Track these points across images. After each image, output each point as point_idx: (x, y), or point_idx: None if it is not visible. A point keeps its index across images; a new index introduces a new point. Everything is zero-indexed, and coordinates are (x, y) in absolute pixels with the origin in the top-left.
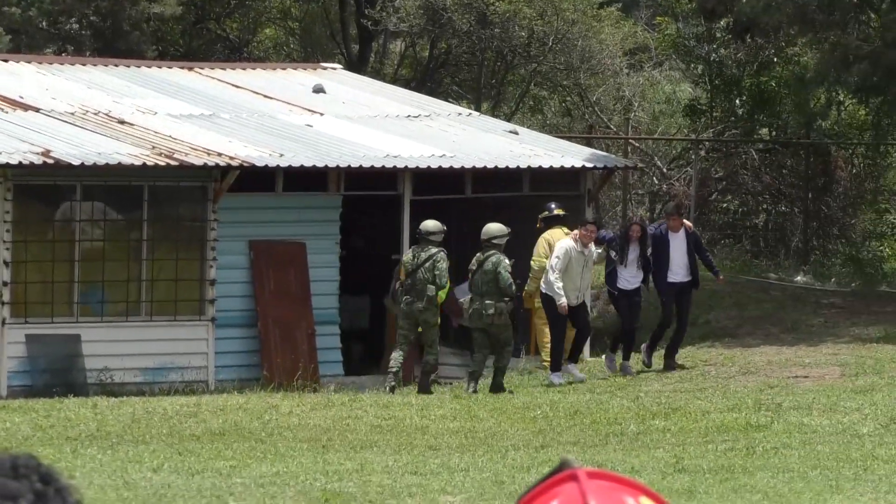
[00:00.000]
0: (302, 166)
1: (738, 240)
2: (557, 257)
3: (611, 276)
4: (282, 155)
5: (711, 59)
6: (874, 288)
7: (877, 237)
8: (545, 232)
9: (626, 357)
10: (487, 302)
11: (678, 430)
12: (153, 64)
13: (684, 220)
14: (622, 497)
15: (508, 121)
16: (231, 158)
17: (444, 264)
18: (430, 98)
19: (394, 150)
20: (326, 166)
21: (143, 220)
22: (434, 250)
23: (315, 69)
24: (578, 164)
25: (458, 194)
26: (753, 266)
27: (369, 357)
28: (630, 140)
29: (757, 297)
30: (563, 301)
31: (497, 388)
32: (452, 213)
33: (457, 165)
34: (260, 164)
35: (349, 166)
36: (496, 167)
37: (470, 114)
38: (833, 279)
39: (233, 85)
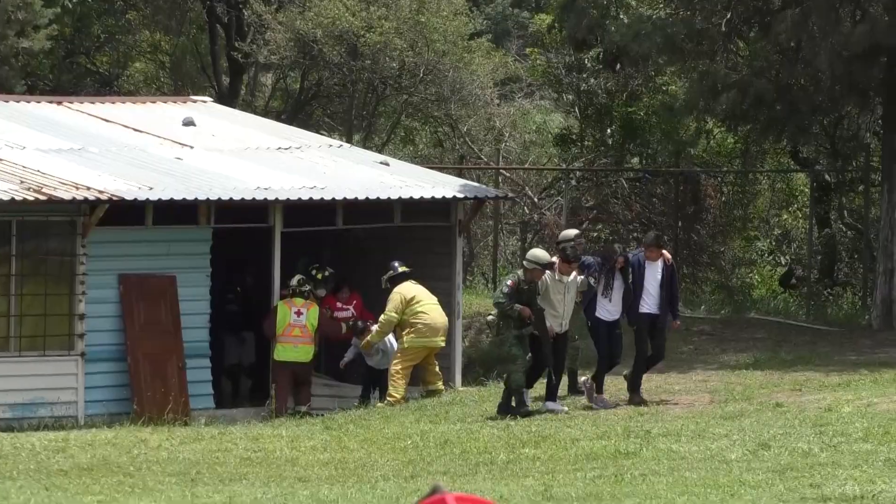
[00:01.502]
0: (172, 199)
1: None
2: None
3: (590, 307)
4: (151, 188)
5: (582, 88)
6: (743, 315)
7: (746, 264)
8: (397, 286)
9: (600, 390)
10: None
11: (548, 458)
12: (22, 98)
13: (664, 252)
14: None
15: (380, 152)
16: (100, 192)
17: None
18: (301, 130)
19: (264, 182)
20: (196, 199)
21: (12, 255)
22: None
23: (185, 102)
24: (450, 195)
25: (329, 226)
26: None
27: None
28: (501, 170)
29: (627, 325)
30: (548, 324)
31: (501, 408)
32: (325, 244)
33: (328, 197)
34: (129, 197)
35: (219, 199)
36: (367, 198)
37: (341, 145)
38: (703, 306)
39: (103, 119)
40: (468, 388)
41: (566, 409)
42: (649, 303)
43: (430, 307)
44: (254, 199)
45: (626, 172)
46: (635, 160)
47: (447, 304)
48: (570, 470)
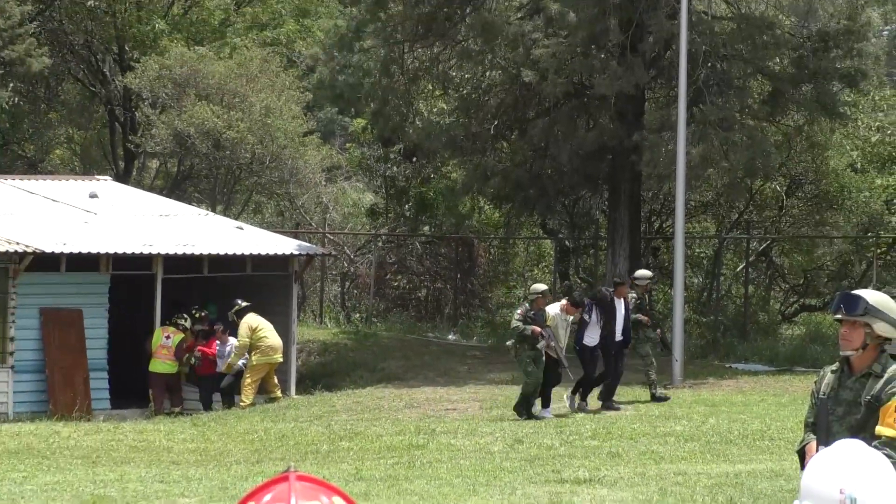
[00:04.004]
0: (80, 252)
1: (406, 308)
2: (550, 317)
3: (579, 335)
4: (65, 244)
5: (387, 174)
6: (505, 344)
7: (507, 306)
8: (244, 318)
9: (584, 398)
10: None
11: (359, 449)
12: None
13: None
14: (319, 495)
15: (236, 219)
16: (27, 246)
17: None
18: (178, 202)
19: (149, 240)
20: (98, 252)
21: None
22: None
23: (91, 180)
24: (288, 252)
25: (198, 274)
26: (417, 328)
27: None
28: (326, 234)
29: (419, 351)
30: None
31: (517, 408)
32: (194, 287)
33: (196, 252)
34: (48, 250)
35: (115, 252)
36: (226, 253)
37: (207, 214)
38: (475, 337)
39: (29, 192)
40: (300, 396)
41: (551, 415)
42: (616, 332)
43: (269, 332)
44: (141, 252)
45: (419, 237)
46: (426, 228)
47: (285, 333)
48: (376, 458)
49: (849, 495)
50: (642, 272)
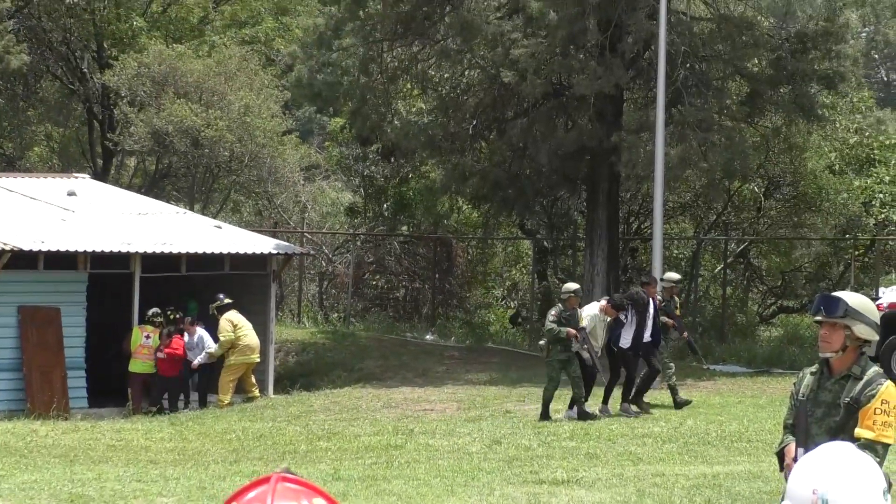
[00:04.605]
0: (58, 251)
1: (384, 308)
2: (588, 317)
3: (616, 338)
4: (43, 242)
5: (365, 173)
6: (483, 344)
7: (485, 307)
8: (224, 314)
9: (626, 399)
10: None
11: (337, 449)
12: None
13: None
14: (299, 497)
15: (215, 218)
16: (4, 244)
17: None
18: (156, 201)
19: (127, 238)
20: (76, 251)
21: None
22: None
23: (69, 178)
24: (266, 251)
25: (176, 272)
26: (395, 327)
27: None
28: (305, 233)
29: (397, 351)
30: (571, 331)
31: (581, 415)
32: (171, 285)
33: (175, 251)
34: (26, 248)
35: (93, 251)
36: (205, 252)
37: (185, 213)
38: (453, 338)
39: (7, 189)
40: (278, 395)
41: (575, 416)
42: (646, 333)
43: (248, 331)
44: (119, 251)
45: (398, 237)
46: (404, 228)
47: (263, 332)
48: (354, 458)
49: (821, 496)
50: (670, 274)
